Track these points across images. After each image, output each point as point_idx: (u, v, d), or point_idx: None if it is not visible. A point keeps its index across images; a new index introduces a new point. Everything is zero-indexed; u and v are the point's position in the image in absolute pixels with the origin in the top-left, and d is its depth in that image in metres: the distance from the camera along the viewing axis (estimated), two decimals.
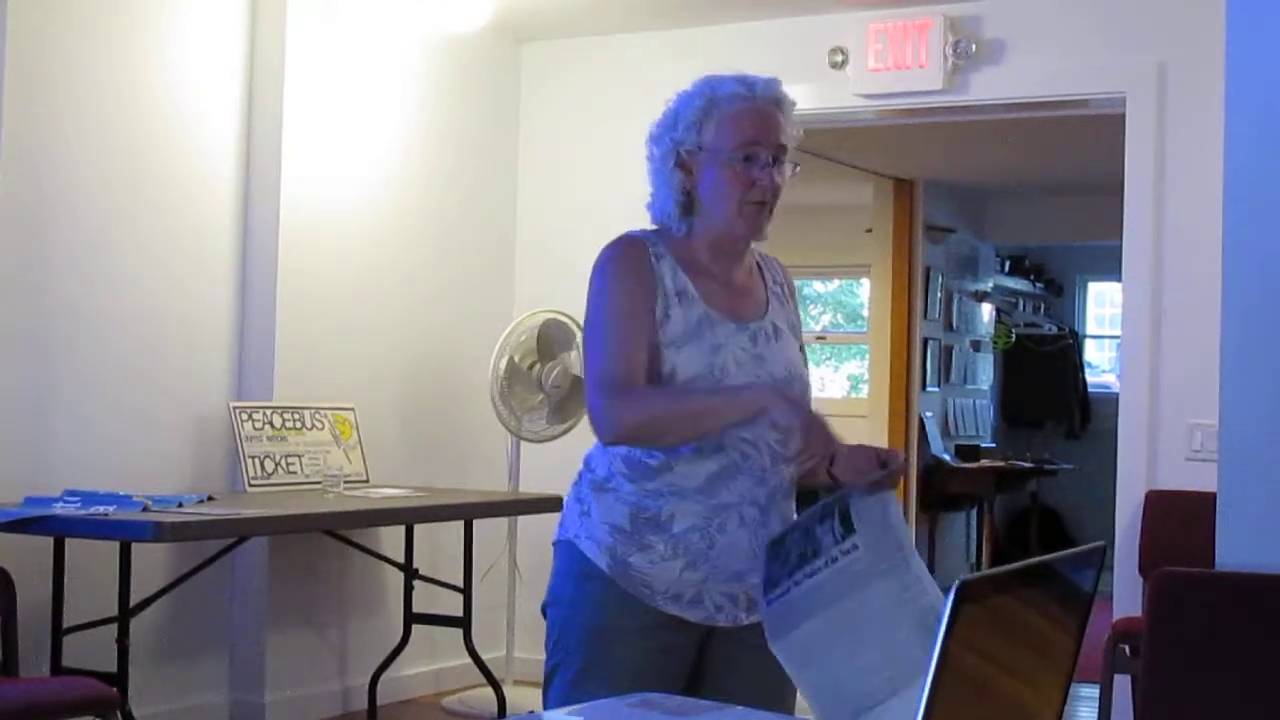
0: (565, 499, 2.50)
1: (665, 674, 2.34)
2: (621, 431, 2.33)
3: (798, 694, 2.27)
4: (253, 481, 5.01)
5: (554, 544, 2.47)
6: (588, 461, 2.47)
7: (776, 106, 2.40)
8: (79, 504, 4.21)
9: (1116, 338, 9.14)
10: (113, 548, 4.18)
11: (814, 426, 2.20)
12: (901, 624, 2.10)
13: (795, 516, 2.44)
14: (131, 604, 4.18)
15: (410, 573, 5.41)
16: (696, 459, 2.34)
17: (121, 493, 4.39)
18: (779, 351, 2.45)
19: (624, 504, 2.38)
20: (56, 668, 4.22)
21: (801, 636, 2.10)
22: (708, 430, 2.32)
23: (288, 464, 5.13)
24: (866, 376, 10.08)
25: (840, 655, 2.09)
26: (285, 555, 5.25)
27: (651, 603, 2.36)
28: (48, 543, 4.26)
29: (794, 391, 2.39)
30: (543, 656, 2.48)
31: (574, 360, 5.62)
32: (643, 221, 2.57)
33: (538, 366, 5.60)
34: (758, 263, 2.54)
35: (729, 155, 2.37)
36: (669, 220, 2.44)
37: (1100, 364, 12.03)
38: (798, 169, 2.44)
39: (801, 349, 2.53)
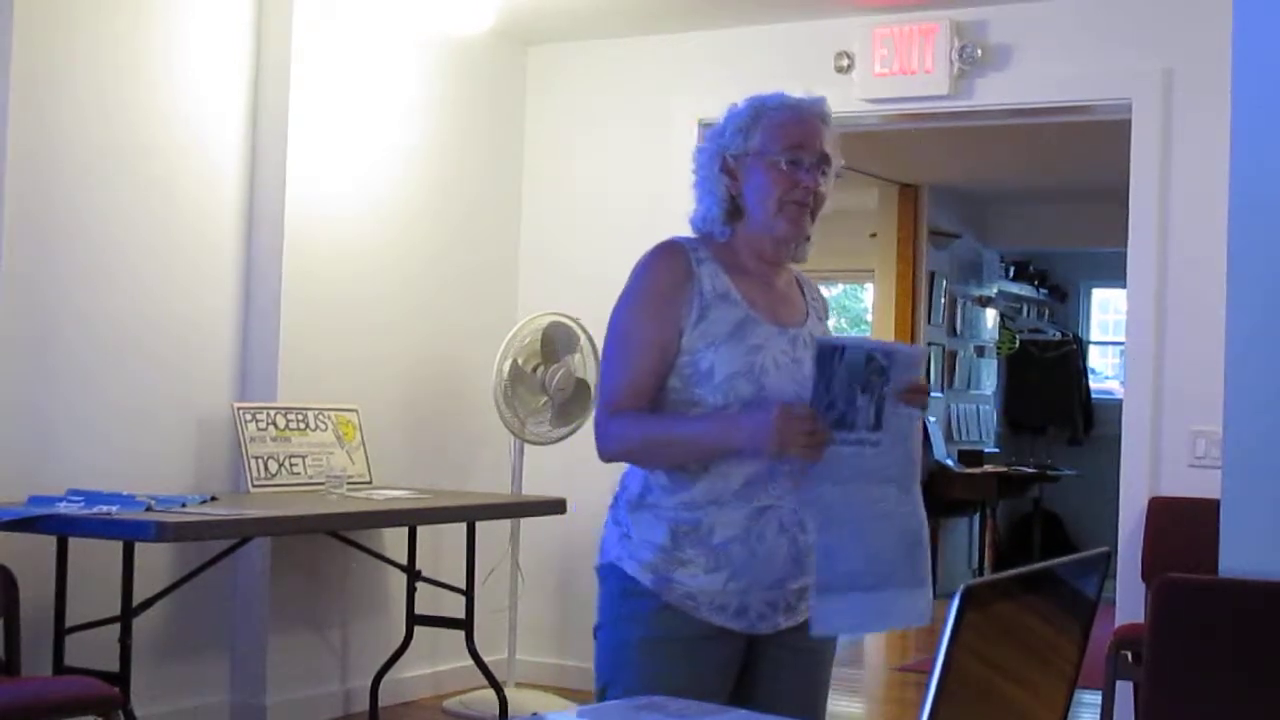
0: (604, 523, 2.53)
1: (713, 684, 2.38)
2: (606, 453, 2.44)
3: (829, 698, 2.48)
4: (256, 482, 5.01)
5: (596, 569, 2.51)
6: (623, 481, 2.52)
7: (822, 121, 2.50)
8: (82, 503, 4.21)
9: (1120, 344, 9.14)
10: (115, 547, 4.17)
11: (784, 431, 2.24)
12: (891, 532, 2.29)
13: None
14: (134, 604, 4.18)
15: (413, 574, 5.41)
16: (735, 461, 2.37)
17: (125, 493, 4.39)
18: None
19: (662, 520, 2.41)
20: (59, 667, 4.22)
21: (825, 496, 2.26)
22: (699, 458, 2.38)
23: (291, 465, 5.13)
24: None
25: (847, 535, 2.26)
26: (288, 556, 5.26)
27: (697, 614, 2.39)
28: (51, 542, 4.27)
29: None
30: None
31: (577, 363, 5.62)
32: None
33: (541, 369, 5.59)
34: (797, 278, 2.60)
35: (775, 157, 2.44)
36: (712, 226, 2.50)
37: (1104, 370, 12.03)
38: (839, 176, 2.52)
39: None
